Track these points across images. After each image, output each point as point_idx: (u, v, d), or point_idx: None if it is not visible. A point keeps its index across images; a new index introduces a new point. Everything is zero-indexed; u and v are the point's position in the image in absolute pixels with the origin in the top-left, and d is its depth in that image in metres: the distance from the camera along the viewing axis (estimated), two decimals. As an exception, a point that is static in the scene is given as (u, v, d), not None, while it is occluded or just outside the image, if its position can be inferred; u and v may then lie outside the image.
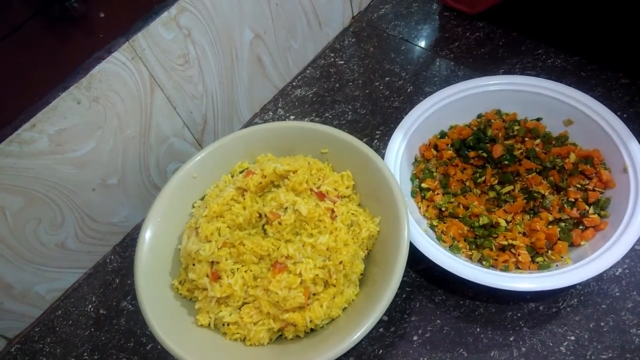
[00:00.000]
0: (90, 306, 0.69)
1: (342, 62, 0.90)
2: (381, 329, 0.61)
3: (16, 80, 0.52)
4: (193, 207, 0.65)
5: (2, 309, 0.64)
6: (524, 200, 0.62)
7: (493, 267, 0.59)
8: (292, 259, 0.55)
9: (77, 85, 0.56)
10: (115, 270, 0.72)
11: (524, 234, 0.61)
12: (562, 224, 0.61)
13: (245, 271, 0.57)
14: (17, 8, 0.48)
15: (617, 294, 0.59)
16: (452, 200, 0.65)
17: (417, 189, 0.67)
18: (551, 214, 0.61)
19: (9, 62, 0.50)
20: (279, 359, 0.54)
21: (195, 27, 0.66)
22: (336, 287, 0.56)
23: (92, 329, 0.67)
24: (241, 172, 0.65)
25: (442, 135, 0.71)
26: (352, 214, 0.60)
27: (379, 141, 0.78)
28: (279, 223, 0.57)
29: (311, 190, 0.60)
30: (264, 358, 0.55)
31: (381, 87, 0.85)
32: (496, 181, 0.65)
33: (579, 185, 0.62)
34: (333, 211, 0.59)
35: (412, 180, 0.68)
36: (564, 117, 0.67)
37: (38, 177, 0.58)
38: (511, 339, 0.58)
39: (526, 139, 0.67)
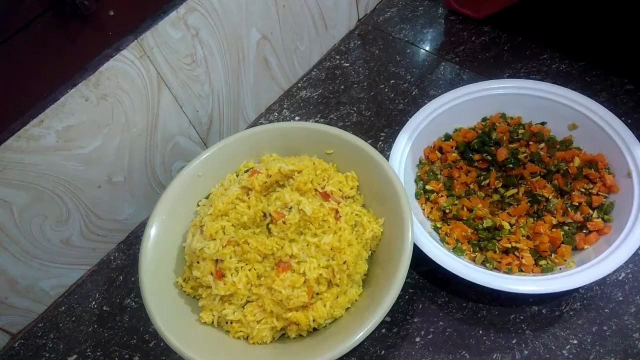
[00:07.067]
0: (93, 303, 0.69)
1: (348, 65, 0.91)
2: (384, 330, 0.61)
3: (25, 76, 0.52)
4: (198, 205, 0.65)
5: (6, 304, 0.65)
6: (528, 204, 0.62)
7: (496, 269, 0.59)
8: (296, 258, 0.55)
9: (85, 82, 0.57)
10: (119, 268, 0.72)
11: (528, 237, 0.61)
12: (566, 228, 0.61)
13: (249, 270, 0.57)
14: (29, 4, 0.48)
15: (620, 298, 0.59)
16: (456, 202, 0.65)
17: (422, 191, 0.67)
18: (555, 217, 0.61)
19: (19, 58, 0.50)
20: (282, 357, 0.55)
21: (203, 27, 0.66)
22: (339, 287, 0.56)
23: (96, 326, 0.67)
24: (246, 172, 0.65)
25: (447, 137, 0.71)
26: (356, 214, 0.60)
27: (384, 143, 0.78)
28: (284, 222, 0.57)
29: (316, 190, 0.61)
30: (267, 356, 0.55)
31: (386, 90, 0.85)
32: (500, 184, 0.65)
33: (583, 190, 0.62)
34: (337, 211, 0.59)
35: (416, 182, 0.68)
36: (568, 121, 0.67)
37: (45, 173, 0.59)
38: (514, 341, 0.58)
39: (531, 142, 0.68)
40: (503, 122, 0.70)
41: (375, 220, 0.61)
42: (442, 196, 0.66)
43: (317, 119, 0.84)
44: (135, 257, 0.72)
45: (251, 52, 0.76)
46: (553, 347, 0.57)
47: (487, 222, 0.62)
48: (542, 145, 0.67)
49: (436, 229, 0.64)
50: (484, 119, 0.72)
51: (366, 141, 0.64)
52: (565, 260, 0.59)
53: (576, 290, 0.60)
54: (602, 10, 0.83)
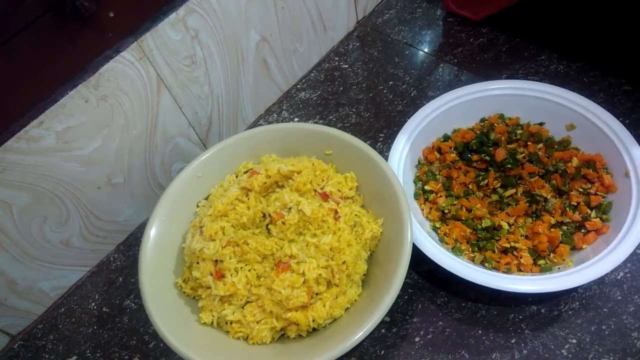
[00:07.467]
0: (93, 304, 0.69)
1: (347, 66, 0.91)
2: (383, 330, 0.61)
3: (25, 77, 0.52)
4: (197, 206, 0.65)
5: (6, 305, 0.65)
6: (527, 204, 0.63)
7: (495, 269, 0.59)
8: (295, 258, 0.56)
9: (85, 83, 0.57)
10: (119, 269, 0.72)
11: (526, 237, 0.61)
12: (564, 227, 0.61)
13: (249, 270, 0.57)
14: (29, 5, 0.48)
15: (619, 297, 0.59)
16: (455, 202, 0.65)
17: (420, 191, 0.67)
18: (553, 217, 0.61)
19: (18, 59, 0.50)
20: (281, 357, 0.55)
21: (202, 29, 0.66)
22: (339, 287, 0.56)
23: (95, 327, 0.67)
24: (245, 173, 0.66)
25: (446, 138, 0.72)
26: (356, 215, 0.61)
27: (382, 144, 0.79)
28: (283, 223, 0.58)
29: (315, 190, 0.61)
30: (266, 357, 0.55)
31: (385, 91, 0.86)
32: (499, 184, 0.65)
33: (581, 189, 0.63)
34: (336, 212, 0.59)
35: (415, 182, 0.68)
36: (566, 121, 0.68)
37: (45, 175, 0.59)
38: (513, 341, 0.58)
39: (529, 143, 0.68)
40: (501, 123, 0.71)
41: (374, 221, 0.61)
42: (441, 196, 0.66)
43: (316, 120, 0.84)
44: (135, 259, 0.72)
45: (250, 54, 0.76)
46: (552, 347, 0.57)
47: (486, 222, 0.62)
48: (541, 145, 0.67)
49: (435, 229, 0.64)
50: (483, 120, 0.72)
51: (365, 142, 0.64)
52: (563, 260, 0.59)
53: (575, 289, 0.60)
54: (600, 11, 0.84)
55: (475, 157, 0.68)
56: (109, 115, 0.62)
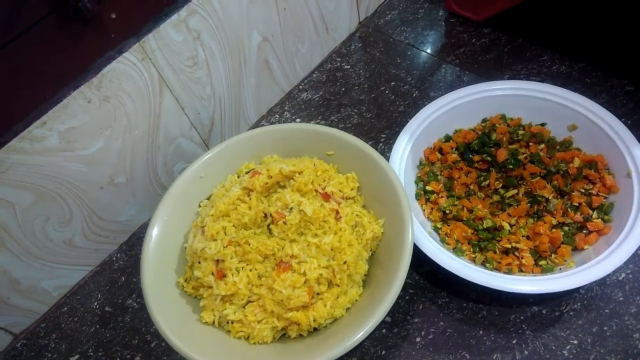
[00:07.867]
0: (95, 303, 0.70)
1: (349, 67, 0.91)
2: (384, 330, 0.61)
3: (28, 78, 0.53)
4: (199, 206, 0.66)
5: (9, 304, 0.65)
6: (528, 204, 0.63)
7: (496, 269, 0.59)
8: (296, 258, 0.56)
9: (88, 84, 0.57)
10: (121, 269, 0.73)
11: (528, 238, 0.61)
12: (566, 228, 0.61)
13: (250, 270, 0.57)
14: (32, 7, 0.49)
15: (621, 298, 0.59)
16: (456, 203, 0.65)
17: (422, 192, 0.67)
18: (555, 217, 0.61)
19: (22, 60, 0.51)
20: (282, 357, 0.55)
21: (204, 30, 0.67)
22: (340, 287, 0.56)
23: (97, 326, 0.67)
24: (247, 173, 0.66)
25: (447, 139, 0.72)
26: (357, 215, 0.61)
27: (384, 144, 0.79)
28: (284, 223, 0.58)
29: (316, 191, 0.61)
30: (267, 356, 0.55)
31: (387, 92, 0.86)
32: (500, 185, 0.65)
33: (582, 190, 0.63)
34: (338, 212, 0.59)
35: (416, 183, 0.69)
36: (568, 122, 0.68)
37: (48, 174, 0.59)
38: (514, 342, 0.58)
39: (530, 143, 0.68)
40: (503, 123, 0.71)
41: (375, 221, 0.61)
42: (442, 197, 0.66)
43: (318, 120, 0.84)
44: (137, 258, 0.72)
45: (252, 55, 0.77)
46: (553, 348, 0.57)
47: (487, 223, 0.62)
48: (542, 146, 0.67)
49: (436, 229, 0.64)
50: (484, 120, 0.72)
51: (367, 142, 0.64)
52: (565, 261, 0.59)
53: (576, 290, 0.60)
54: (602, 11, 0.83)
55: (476, 157, 0.68)
56: (112, 115, 0.62)
